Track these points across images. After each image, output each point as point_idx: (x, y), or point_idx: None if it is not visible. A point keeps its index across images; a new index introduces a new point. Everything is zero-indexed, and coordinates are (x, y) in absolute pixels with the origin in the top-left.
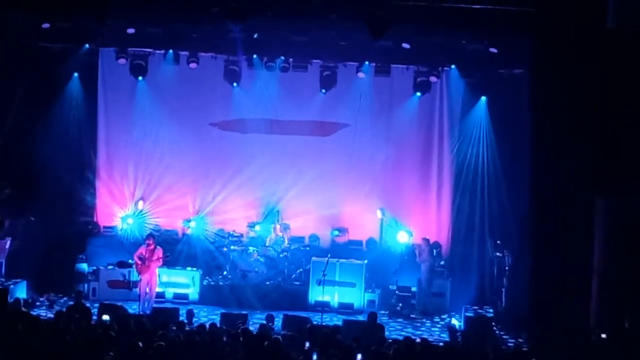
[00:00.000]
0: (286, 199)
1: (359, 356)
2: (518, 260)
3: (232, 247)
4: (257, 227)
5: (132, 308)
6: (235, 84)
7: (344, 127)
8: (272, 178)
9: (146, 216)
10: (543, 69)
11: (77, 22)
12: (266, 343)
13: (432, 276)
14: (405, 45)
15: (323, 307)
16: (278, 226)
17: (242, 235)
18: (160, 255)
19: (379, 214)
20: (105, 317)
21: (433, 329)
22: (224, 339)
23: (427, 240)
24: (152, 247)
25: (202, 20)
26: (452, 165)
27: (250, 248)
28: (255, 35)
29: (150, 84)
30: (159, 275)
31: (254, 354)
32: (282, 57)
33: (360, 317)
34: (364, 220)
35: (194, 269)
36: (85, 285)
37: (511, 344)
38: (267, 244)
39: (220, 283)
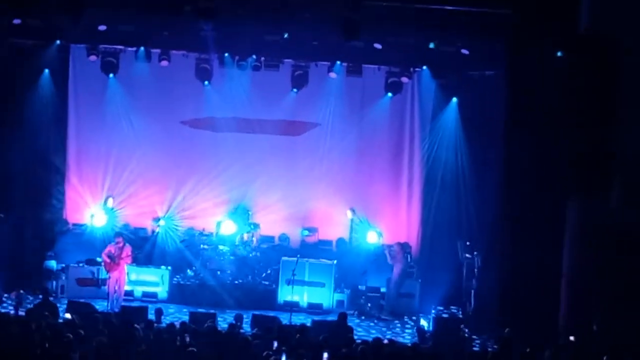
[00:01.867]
0: (256, 198)
1: (325, 355)
2: (487, 261)
3: (201, 245)
4: (227, 226)
5: (101, 306)
6: (206, 82)
7: (315, 126)
8: (243, 177)
9: (116, 214)
10: (516, 70)
11: (48, 18)
12: (235, 342)
13: (403, 279)
14: (377, 46)
15: (292, 306)
16: (246, 234)
17: (211, 234)
18: (129, 253)
19: (349, 214)
20: (67, 316)
21: (403, 329)
22: (188, 338)
23: (402, 245)
24: (121, 244)
25: (174, 18)
26: (423, 166)
27: (220, 247)
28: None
29: (122, 81)
30: (127, 274)
31: (223, 353)
32: (254, 56)
33: (329, 317)
34: (334, 220)
35: (163, 267)
36: (54, 283)
37: (479, 346)
38: (236, 243)
39: (190, 282)
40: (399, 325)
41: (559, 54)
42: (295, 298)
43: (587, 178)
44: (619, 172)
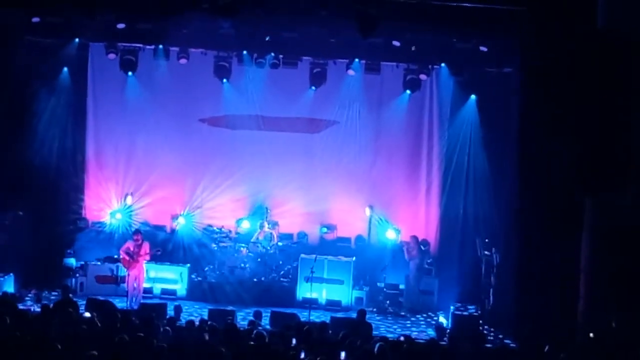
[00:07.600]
0: (275, 196)
1: (343, 354)
2: (506, 258)
3: (220, 243)
4: (246, 224)
5: (120, 303)
6: (225, 80)
7: (334, 124)
8: (261, 174)
9: (135, 211)
10: (532, 67)
11: (67, 16)
12: (253, 339)
13: (421, 274)
14: (396, 43)
15: (311, 304)
16: (266, 223)
17: (230, 232)
18: (148, 250)
19: (367, 211)
20: (87, 315)
21: (421, 326)
22: (208, 336)
23: (416, 238)
24: (139, 242)
25: (193, 16)
26: (441, 163)
27: (239, 244)
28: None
29: (140, 79)
30: (146, 271)
31: (241, 350)
32: (272, 54)
33: (348, 315)
34: (353, 218)
35: (182, 264)
36: (73, 280)
37: (498, 343)
38: (255, 240)
39: (208, 279)
40: (418, 322)
41: (574, 51)
42: (314, 295)
43: (602, 176)
44: (635, 169)
